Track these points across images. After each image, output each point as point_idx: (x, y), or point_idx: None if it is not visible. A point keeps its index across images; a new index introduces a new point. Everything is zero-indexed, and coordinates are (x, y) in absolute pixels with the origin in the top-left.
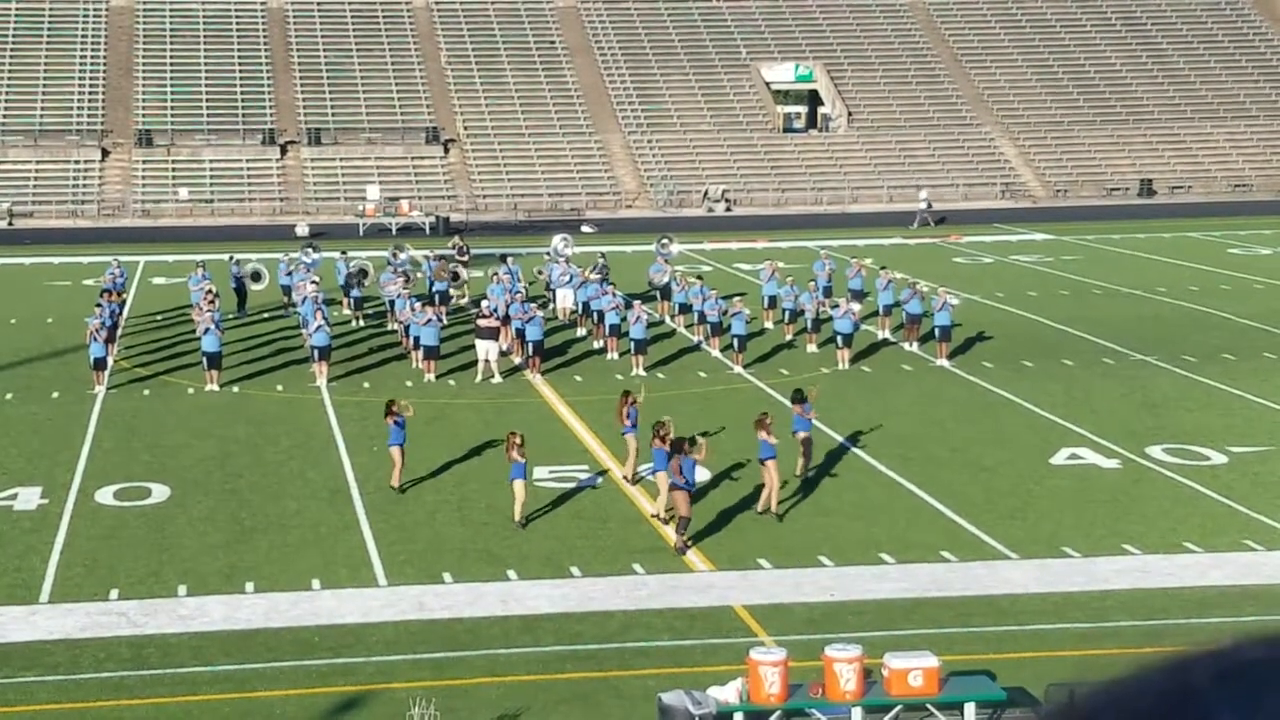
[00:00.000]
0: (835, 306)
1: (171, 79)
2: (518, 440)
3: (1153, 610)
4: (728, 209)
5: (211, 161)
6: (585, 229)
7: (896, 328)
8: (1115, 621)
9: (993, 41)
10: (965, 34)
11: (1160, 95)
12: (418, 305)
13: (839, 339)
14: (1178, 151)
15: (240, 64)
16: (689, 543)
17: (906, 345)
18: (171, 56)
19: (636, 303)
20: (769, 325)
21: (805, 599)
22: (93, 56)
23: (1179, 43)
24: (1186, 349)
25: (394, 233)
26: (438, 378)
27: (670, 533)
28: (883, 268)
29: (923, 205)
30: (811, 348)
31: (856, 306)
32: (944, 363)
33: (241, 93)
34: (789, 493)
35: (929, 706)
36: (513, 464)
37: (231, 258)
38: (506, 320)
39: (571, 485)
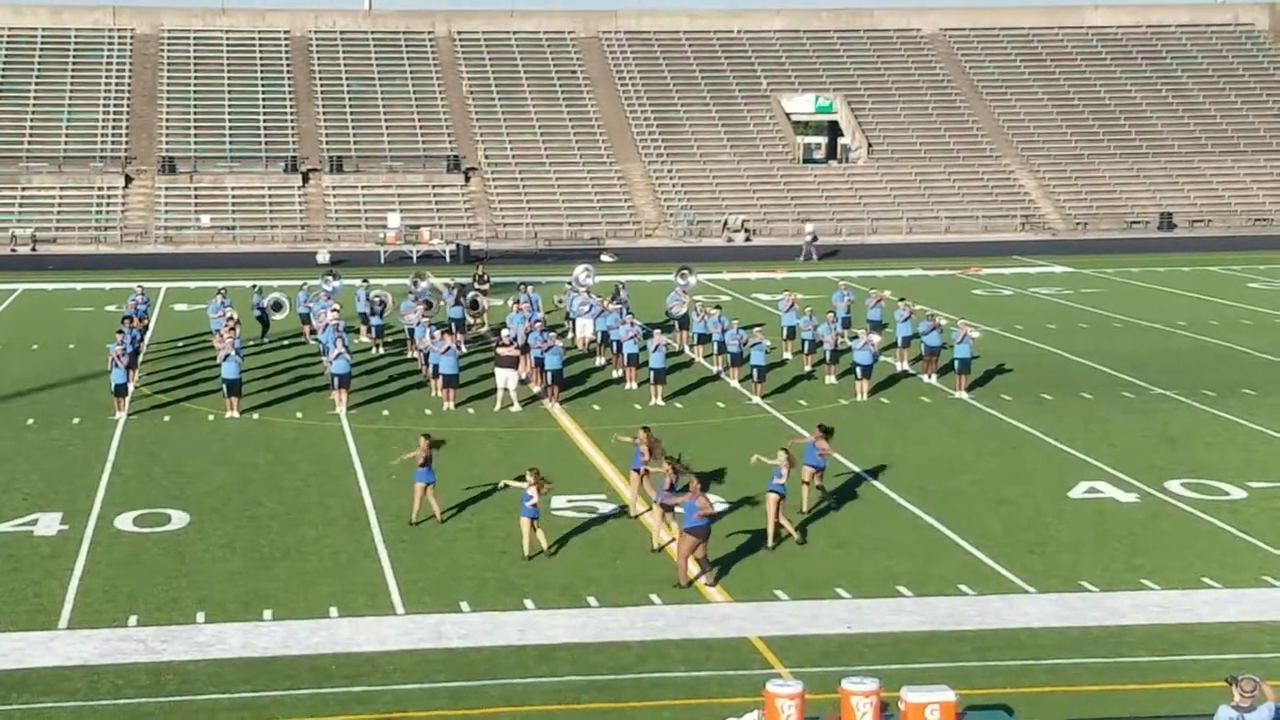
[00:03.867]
0: (854, 338)
1: (195, 106)
2: (531, 478)
3: (1171, 646)
4: (747, 239)
5: (234, 188)
6: (605, 258)
7: (915, 359)
8: (1133, 657)
9: (1012, 74)
10: (985, 66)
11: (1180, 128)
12: (437, 333)
13: (858, 370)
14: (1197, 185)
15: (263, 92)
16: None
17: (925, 377)
18: (195, 84)
19: (656, 332)
20: (788, 356)
21: (822, 631)
22: (117, 83)
23: (1198, 76)
24: (1206, 383)
25: (414, 260)
26: (456, 406)
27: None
28: (902, 299)
29: (808, 238)
30: (830, 379)
31: (876, 338)
32: (963, 395)
33: (264, 120)
34: (810, 525)
35: None
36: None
37: (255, 286)
38: (526, 349)
39: (589, 515)
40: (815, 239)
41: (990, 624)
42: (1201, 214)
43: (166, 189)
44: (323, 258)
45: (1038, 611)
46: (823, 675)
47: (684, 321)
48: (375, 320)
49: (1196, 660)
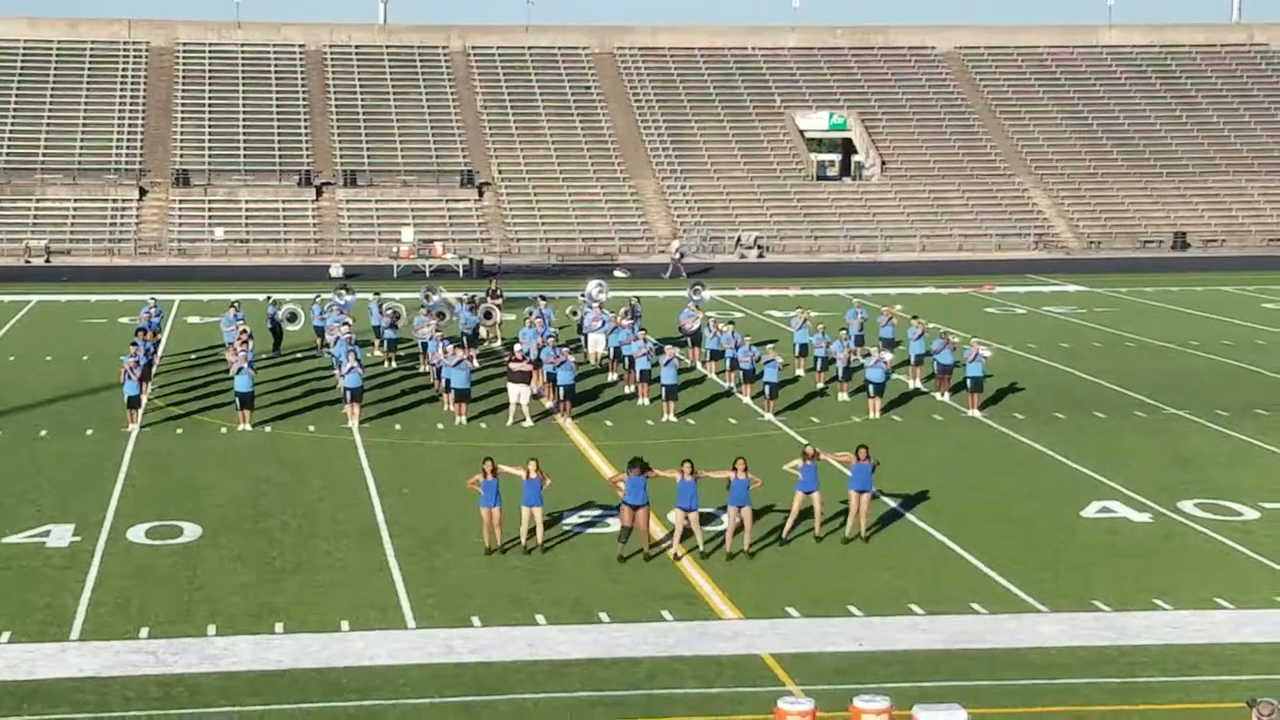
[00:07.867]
0: (867, 355)
1: (209, 119)
2: (488, 466)
3: (1184, 667)
4: (760, 255)
5: (248, 202)
6: (618, 273)
7: (928, 377)
8: (1146, 677)
9: (1027, 92)
10: (999, 84)
11: (1194, 148)
12: (449, 347)
13: (870, 388)
14: (1211, 205)
15: (278, 106)
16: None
17: (938, 395)
18: (210, 98)
19: (668, 348)
20: (800, 373)
21: (834, 649)
22: (132, 97)
23: (1213, 96)
24: (1219, 403)
25: (427, 275)
26: (469, 420)
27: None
28: (915, 317)
29: (676, 255)
30: (843, 396)
31: (888, 355)
32: (975, 413)
33: (279, 134)
34: (823, 543)
35: None
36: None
37: (269, 298)
38: (538, 364)
39: (600, 530)
40: (682, 256)
41: (1002, 643)
42: (1215, 234)
43: (180, 202)
44: (336, 271)
45: (1050, 631)
46: (834, 693)
47: (696, 337)
48: (388, 334)
49: (1209, 681)
